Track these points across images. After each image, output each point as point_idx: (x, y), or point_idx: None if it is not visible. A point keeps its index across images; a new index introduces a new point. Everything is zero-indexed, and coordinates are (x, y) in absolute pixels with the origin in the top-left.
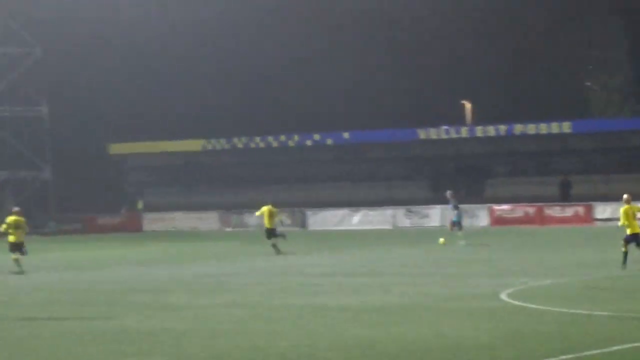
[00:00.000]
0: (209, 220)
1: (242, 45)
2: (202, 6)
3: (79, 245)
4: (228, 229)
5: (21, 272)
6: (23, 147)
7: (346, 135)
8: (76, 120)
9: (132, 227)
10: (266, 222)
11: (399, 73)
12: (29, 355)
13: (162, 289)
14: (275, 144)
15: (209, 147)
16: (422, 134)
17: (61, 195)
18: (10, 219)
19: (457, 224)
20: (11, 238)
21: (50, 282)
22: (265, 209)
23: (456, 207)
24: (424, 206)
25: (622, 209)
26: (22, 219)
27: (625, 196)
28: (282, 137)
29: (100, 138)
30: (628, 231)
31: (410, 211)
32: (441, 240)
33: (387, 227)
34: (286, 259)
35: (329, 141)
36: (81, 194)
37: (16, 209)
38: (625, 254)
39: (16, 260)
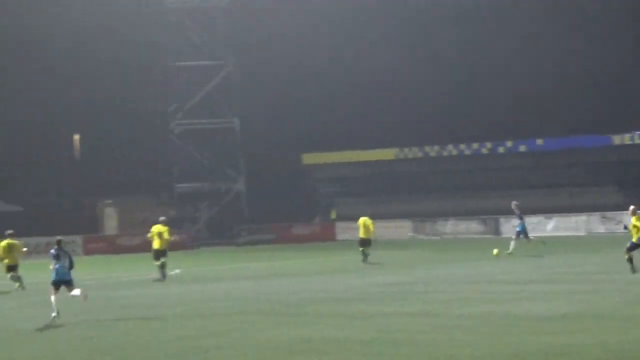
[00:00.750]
0: (402, 229)
1: (433, 54)
2: (395, 8)
3: (272, 254)
4: (421, 237)
5: (162, 279)
6: (217, 159)
7: (540, 141)
8: (269, 132)
9: (325, 237)
10: (361, 233)
11: (592, 79)
12: None
13: (351, 298)
14: (467, 152)
15: (402, 155)
16: (616, 139)
17: (255, 206)
18: (155, 227)
19: (522, 233)
20: (155, 244)
21: (242, 291)
22: (361, 220)
23: (520, 218)
24: (618, 212)
25: (633, 219)
26: (165, 227)
27: (631, 207)
28: (475, 145)
29: (293, 149)
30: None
31: (604, 217)
32: (495, 251)
33: (581, 233)
34: (478, 267)
35: (522, 148)
36: (275, 205)
37: (162, 218)
38: (630, 259)
39: (160, 267)
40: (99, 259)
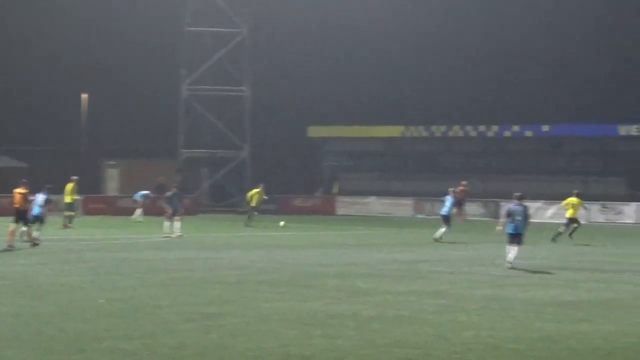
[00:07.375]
0: (402, 207)
1: (444, 36)
2: None
3: (272, 225)
4: (421, 216)
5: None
6: (223, 126)
7: (545, 128)
8: (277, 102)
9: (325, 210)
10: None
11: (600, 67)
12: (222, 331)
13: (351, 273)
14: (473, 134)
15: (408, 134)
16: (622, 130)
17: (257, 176)
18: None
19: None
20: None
21: (243, 260)
22: None
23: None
24: (619, 202)
25: None
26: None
27: None
28: (481, 127)
29: (299, 121)
30: None
31: (605, 207)
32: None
33: (582, 222)
34: (476, 250)
35: (528, 133)
36: (277, 175)
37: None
38: None
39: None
40: (98, 219)
